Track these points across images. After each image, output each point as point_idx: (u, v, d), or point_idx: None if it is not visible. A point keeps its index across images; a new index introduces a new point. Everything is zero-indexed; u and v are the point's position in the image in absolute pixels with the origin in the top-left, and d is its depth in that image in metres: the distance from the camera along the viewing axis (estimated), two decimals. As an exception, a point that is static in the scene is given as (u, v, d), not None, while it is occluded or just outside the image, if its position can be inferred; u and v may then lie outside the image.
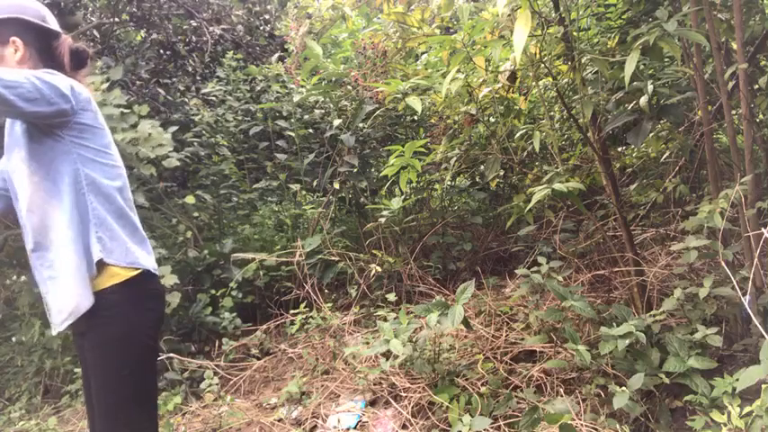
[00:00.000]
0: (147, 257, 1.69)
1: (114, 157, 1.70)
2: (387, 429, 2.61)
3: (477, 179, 4.61)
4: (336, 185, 4.23)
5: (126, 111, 3.32)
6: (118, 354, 1.60)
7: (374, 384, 2.96)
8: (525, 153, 3.65)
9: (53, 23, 1.72)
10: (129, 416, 1.61)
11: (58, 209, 1.55)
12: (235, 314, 3.68)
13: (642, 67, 2.89)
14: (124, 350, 1.60)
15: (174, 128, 3.78)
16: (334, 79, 4.34)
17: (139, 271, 1.64)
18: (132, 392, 1.62)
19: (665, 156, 3.56)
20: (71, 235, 1.55)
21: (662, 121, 3.01)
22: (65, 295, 1.55)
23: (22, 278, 3.45)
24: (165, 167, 3.53)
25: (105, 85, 3.31)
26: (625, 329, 2.25)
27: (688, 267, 2.84)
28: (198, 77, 5.48)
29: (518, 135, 3.29)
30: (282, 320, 3.72)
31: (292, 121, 4.55)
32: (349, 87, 4.32)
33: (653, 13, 2.50)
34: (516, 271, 3.12)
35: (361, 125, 4.28)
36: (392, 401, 2.78)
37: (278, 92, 4.88)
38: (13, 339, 3.47)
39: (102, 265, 1.58)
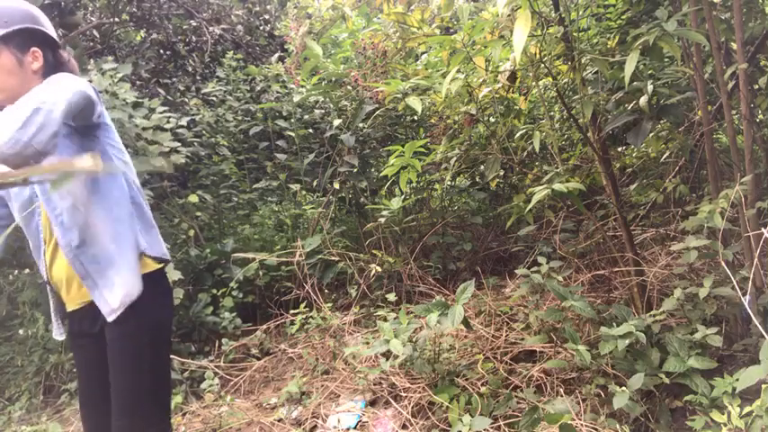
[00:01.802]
0: (163, 246, 1.80)
1: (126, 154, 1.78)
2: (387, 429, 2.61)
3: (477, 179, 4.61)
4: (336, 185, 4.23)
5: (140, 100, 3.35)
6: (142, 347, 1.65)
7: (374, 384, 2.96)
8: (525, 153, 3.65)
9: (54, 34, 1.77)
10: (146, 409, 1.65)
11: (100, 205, 1.62)
12: (235, 314, 3.68)
13: (642, 67, 2.89)
14: (148, 344, 1.67)
15: (187, 118, 3.80)
16: (334, 79, 4.34)
17: (161, 265, 1.74)
18: (151, 386, 1.67)
19: (665, 156, 3.56)
20: (114, 229, 1.63)
21: (662, 121, 3.01)
22: (113, 287, 1.61)
23: (26, 271, 3.45)
24: (171, 163, 3.54)
25: (117, 77, 3.34)
26: (625, 329, 2.25)
27: (688, 267, 2.84)
28: (198, 77, 5.48)
29: (518, 135, 3.29)
30: (282, 320, 3.72)
31: (292, 121, 4.55)
32: (349, 87, 4.32)
33: (653, 13, 2.50)
34: (516, 271, 3.12)
35: (361, 125, 4.28)
36: (392, 401, 2.78)
37: (278, 92, 4.88)
38: (20, 332, 3.48)
39: (140, 256, 1.68)
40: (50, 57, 1.71)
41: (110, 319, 1.62)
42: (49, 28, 1.72)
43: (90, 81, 3.30)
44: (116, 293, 1.61)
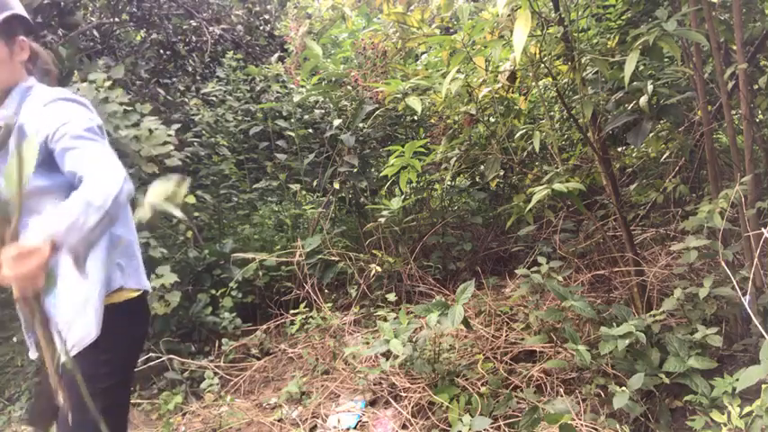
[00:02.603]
0: (145, 277, 1.68)
1: None
2: (387, 429, 2.61)
3: (477, 179, 4.61)
4: (336, 185, 4.23)
5: (129, 108, 3.33)
6: (90, 375, 1.48)
7: (374, 384, 2.96)
8: (525, 153, 3.65)
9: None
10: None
11: None
12: (235, 314, 3.67)
13: (642, 67, 2.89)
14: (99, 375, 1.53)
15: (177, 125, 3.78)
16: (334, 79, 4.34)
17: (139, 293, 1.63)
18: (109, 404, 1.54)
19: (665, 156, 3.56)
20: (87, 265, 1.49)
21: (662, 121, 3.01)
22: (69, 327, 1.48)
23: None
24: (166, 166, 3.54)
25: (108, 83, 3.31)
26: (625, 329, 2.25)
27: (688, 267, 2.84)
28: (198, 77, 5.48)
29: (518, 135, 3.29)
30: (282, 320, 3.72)
31: (292, 121, 4.55)
32: (349, 87, 4.32)
33: (653, 13, 2.50)
34: (516, 271, 3.12)
35: (361, 125, 4.28)
36: (392, 401, 2.78)
37: (278, 92, 4.88)
38: (14, 339, 3.46)
39: (117, 290, 1.56)
40: (33, 47, 1.57)
41: (63, 357, 1.44)
42: (27, 15, 1.57)
43: (78, 89, 3.27)
44: (71, 335, 1.46)
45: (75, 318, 1.48)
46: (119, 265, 1.57)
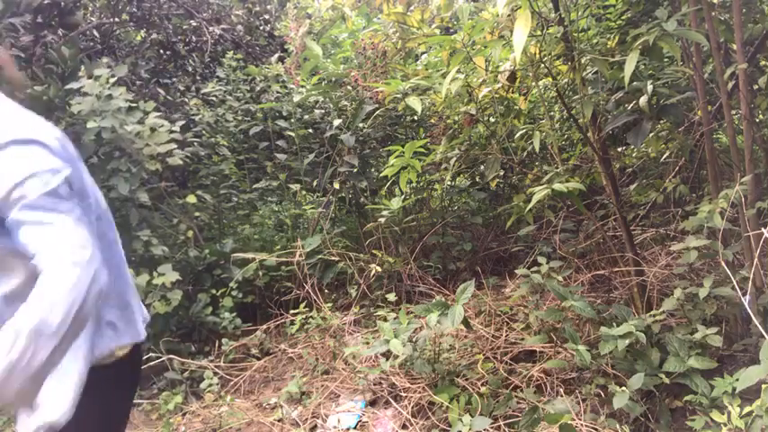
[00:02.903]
0: (141, 321, 1.43)
1: (97, 204, 1.31)
2: (387, 429, 2.61)
3: (477, 179, 4.61)
4: (336, 185, 4.23)
5: (133, 105, 3.34)
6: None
7: (374, 384, 2.97)
8: (525, 153, 3.65)
9: None
10: None
11: None
12: (235, 314, 3.67)
13: (642, 67, 2.89)
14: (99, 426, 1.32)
15: (182, 122, 3.79)
16: (334, 79, 4.34)
17: (129, 349, 1.35)
18: None
19: (665, 156, 3.56)
20: None
21: (662, 121, 3.01)
22: (31, 408, 1.19)
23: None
24: (167, 164, 3.54)
25: (112, 80, 3.32)
26: (625, 329, 2.25)
27: (688, 267, 2.84)
28: (198, 77, 5.48)
29: (518, 135, 3.29)
30: (282, 320, 3.72)
31: (292, 121, 4.55)
32: (349, 87, 4.32)
33: (653, 13, 2.50)
34: (516, 271, 3.12)
35: (361, 125, 4.28)
36: (392, 401, 2.78)
37: (278, 92, 4.88)
38: None
39: (108, 354, 1.30)
40: None
41: None
42: None
43: (82, 87, 3.27)
44: (34, 418, 1.16)
45: (48, 392, 1.15)
46: (110, 324, 1.28)
